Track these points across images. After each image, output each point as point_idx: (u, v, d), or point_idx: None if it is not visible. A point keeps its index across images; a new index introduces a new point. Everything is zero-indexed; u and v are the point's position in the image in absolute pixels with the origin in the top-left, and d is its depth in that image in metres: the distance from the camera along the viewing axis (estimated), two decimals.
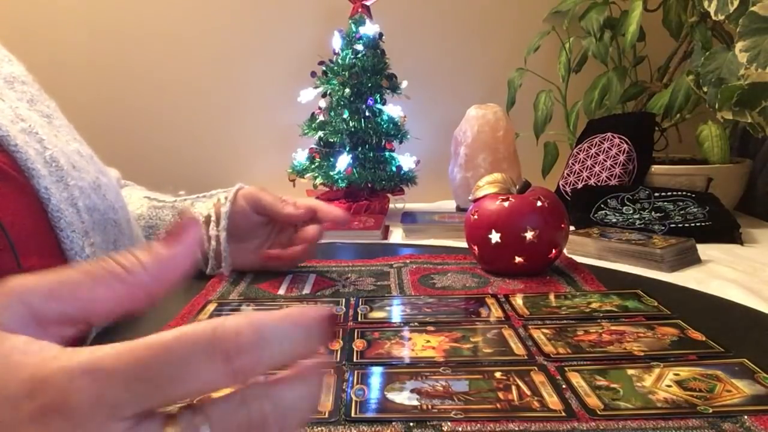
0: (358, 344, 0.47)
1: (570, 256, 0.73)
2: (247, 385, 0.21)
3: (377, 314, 0.55)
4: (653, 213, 1.41)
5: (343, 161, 1.65)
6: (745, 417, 0.36)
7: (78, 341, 0.25)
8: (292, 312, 0.22)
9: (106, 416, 0.20)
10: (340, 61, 1.68)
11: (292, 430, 0.22)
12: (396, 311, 0.56)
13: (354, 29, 1.69)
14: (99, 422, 0.20)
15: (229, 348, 0.20)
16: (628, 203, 1.45)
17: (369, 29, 1.70)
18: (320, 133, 1.70)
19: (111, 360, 0.20)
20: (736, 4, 1.29)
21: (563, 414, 0.36)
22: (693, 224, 1.34)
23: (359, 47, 1.68)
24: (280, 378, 0.22)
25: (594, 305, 0.56)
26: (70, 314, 0.24)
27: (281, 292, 0.63)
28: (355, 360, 0.45)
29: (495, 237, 0.65)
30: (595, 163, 1.61)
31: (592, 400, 0.38)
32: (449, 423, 0.36)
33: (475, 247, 0.68)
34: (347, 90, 1.66)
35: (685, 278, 1.07)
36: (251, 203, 0.68)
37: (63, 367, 0.21)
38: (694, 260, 1.17)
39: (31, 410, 0.20)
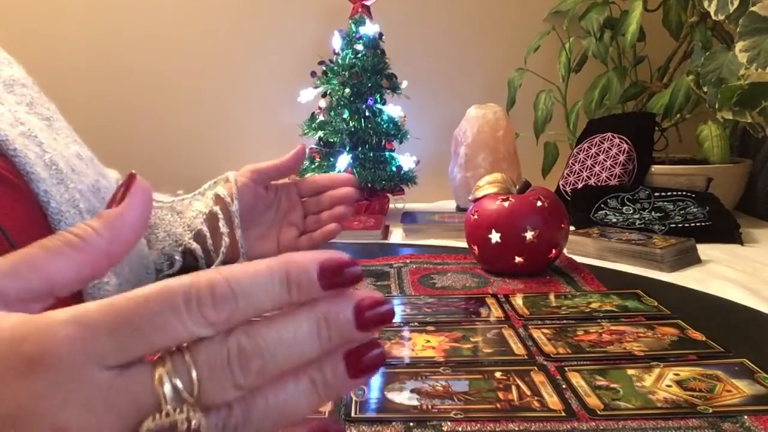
0: None
1: (570, 256, 0.73)
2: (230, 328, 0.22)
3: None
4: (653, 213, 1.41)
5: (343, 161, 1.65)
6: (745, 417, 0.36)
7: None
8: (272, 262, 0.23)
9: (93, 365, 0.21)
10: (340, 61, 1.68)
11: (278, 364, 0.22)
12: (396, 311, 0.56)
13: (354, 29, 1.69)
14: (86, 371, 0.21)
15: (205, 300, 0.21)
16: (628, 203, 1.45)
17: (369, 29, 1.70)
18: (320, 133, 1.70)
19: (95, 313, 0.21)
20: (736, 4, 1.29)
21: (563, 414, 0.36)
22: (693, 224, 1.34)
23: (359, 47, 1.68)
24: (265, 318, 0.23)
25: (594, 305, 0.56)
26: (34, 289, 0.24)
27: None
28: None
29: (495, 237, 0.65)
30: (595, 163, 1.61)
31: (592, 400, 0.38)
32: (449, 423, 0.36)
33: (475, 247, 0.68)
34: (347, 90, 1.66)
35: (685, 278, 1.07)
36: (252, 177, 0.70)
37: (47, 322, 0.21)
38: (694, 260, 1.17)
39: (18, 366, 0.21)
